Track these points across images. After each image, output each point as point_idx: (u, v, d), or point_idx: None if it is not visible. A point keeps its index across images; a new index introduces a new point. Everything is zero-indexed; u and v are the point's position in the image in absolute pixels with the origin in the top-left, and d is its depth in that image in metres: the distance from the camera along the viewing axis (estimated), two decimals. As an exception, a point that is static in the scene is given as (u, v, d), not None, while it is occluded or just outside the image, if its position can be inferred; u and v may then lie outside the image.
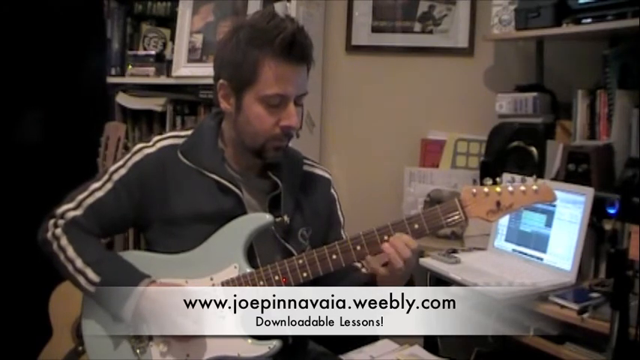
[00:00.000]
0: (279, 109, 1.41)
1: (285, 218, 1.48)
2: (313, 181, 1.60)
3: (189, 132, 1.55)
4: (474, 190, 1.38)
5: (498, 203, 1.37)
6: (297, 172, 1.57)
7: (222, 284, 1.42)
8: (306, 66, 1.44)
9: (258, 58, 1.38)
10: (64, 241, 1.46)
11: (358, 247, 1.39)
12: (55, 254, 1.46)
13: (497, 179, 1.40)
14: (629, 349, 1.44)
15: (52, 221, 1.49)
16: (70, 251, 1.45)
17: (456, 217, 1.38)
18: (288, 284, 1.40)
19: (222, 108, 1.48)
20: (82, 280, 1.43)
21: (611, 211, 1.52)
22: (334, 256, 1.39)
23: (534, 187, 1.37)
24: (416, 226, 1.37)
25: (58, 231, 1.47)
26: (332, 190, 1.63)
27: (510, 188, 1.37)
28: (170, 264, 1.46)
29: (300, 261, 1.40)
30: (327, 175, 1.64)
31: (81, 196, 1.49)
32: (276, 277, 1.40)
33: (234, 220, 1.45)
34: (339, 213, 1.63)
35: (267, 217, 1.46)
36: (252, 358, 1.40)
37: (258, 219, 1.46)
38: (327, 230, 1.58)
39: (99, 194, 1.49)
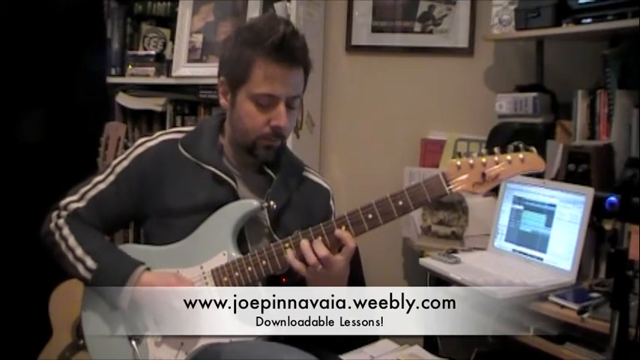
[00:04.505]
0: (270, 108, 1.44)
1: (272, 203, 1.49)
2: (313, 188, 1.62)
3: (191, 128, 1.59)
4: (459, 163, 1.35)
5: (484, 175, 1.34)
6: (294, 172, 1.59)
7: (212, 272, 1.45)
8: (300, 69, 1.46)
9: (251, 58, 1.42)
10: (66, 231, 1.50)
11: (343, 228, 1.38)
12: (56, 244, 1.50)
13: (483, 150, 1.36)
14: (629, 349, 1.44)
15: (55, 212, 1.54)
16: (72, 240, 1.49)
17: (441, 191, 1.35)
18: (275, 268, 1.41)
19: (221, 104, 1.52)
20: (80, 267, 1.47)
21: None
22: (320, 239, 1.39)
23: (520, 156, 1.33)
24: (400, 202, 1.36)
25: (61, 221, 1.51)
26: (331, 202, 1.65)
27: (496, 158, 1.34)
28: (162, 255, 1.49)
29: (287, 244, 1.41)
30: (327, 186, 1.66)
31: (84, 189, 1.54)
32: (264, 262, 1.42)
33: (222, 208, 1.47)
34: None
35: (255, 203, 1.48)
36: (244, 336, 1.40)
37: (245, 205, 1.48)
38: None
39: (101, 186, 1.53)
